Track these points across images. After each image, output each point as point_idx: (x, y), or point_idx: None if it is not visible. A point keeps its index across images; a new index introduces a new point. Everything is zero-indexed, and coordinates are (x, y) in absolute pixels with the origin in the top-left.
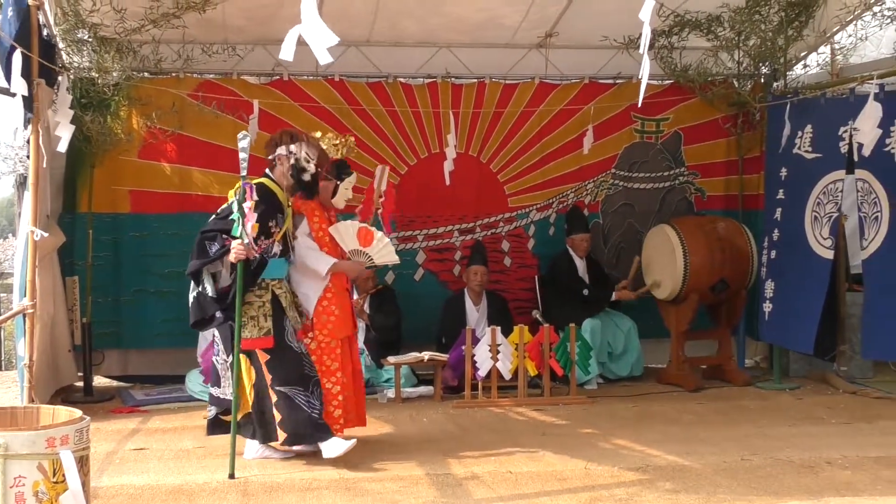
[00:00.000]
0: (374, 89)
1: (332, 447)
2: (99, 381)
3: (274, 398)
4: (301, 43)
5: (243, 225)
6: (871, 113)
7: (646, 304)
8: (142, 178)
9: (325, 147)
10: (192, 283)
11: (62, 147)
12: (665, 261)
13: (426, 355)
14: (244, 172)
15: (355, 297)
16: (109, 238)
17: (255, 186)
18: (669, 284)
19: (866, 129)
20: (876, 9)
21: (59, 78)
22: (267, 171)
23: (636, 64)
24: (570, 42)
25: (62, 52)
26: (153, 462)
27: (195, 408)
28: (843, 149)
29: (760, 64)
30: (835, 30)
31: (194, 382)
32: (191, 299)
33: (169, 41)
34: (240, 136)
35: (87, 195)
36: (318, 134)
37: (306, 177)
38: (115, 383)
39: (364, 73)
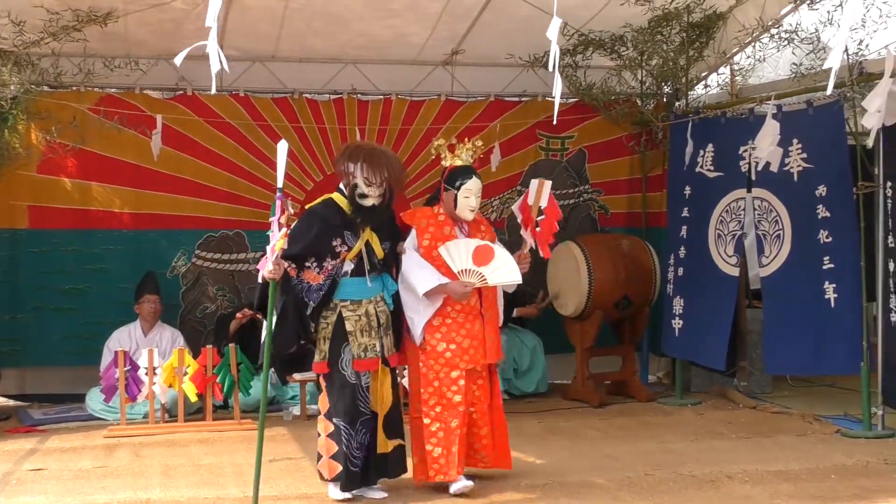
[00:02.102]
0: (279, 105)
1: (336, 492)
2: None
3: (331, 428)
4: (207, 57)
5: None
6: (770, 132)
7: (551, 320)
8: (41, 194)
9: (455, 155)
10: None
11: None
12: (570, 277)
13: None
14: (280, 184)
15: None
16: (7, 254)
17: (287, 201)
18: (574, 301)
19: (764, 146)
20: (773, 31)
21: None
22: (341, 184)
23: (541, 82)
24: (475, 60)
25: None
26: (51, 483)
27: (95, 427)
28: (744, 168)
29: (663, 83)
30: (734, 51)
31: (95, 401)
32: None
33: (70, 54)
34: (280, 144)
35: None
36: (439, 143)
37: (367, 202)
38: (11, 402)
39: (269, 88)
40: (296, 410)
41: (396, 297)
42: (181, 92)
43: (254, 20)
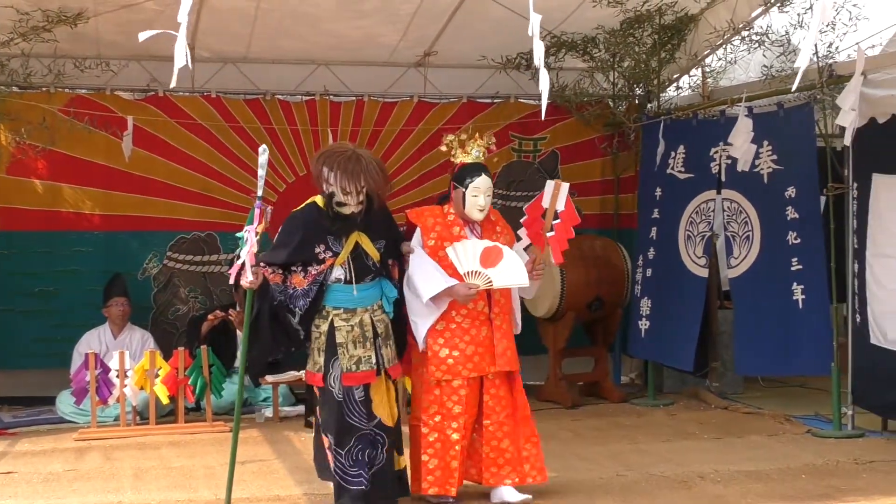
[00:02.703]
0: (251, 106)
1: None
2: None
3: (326, 442)
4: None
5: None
6: (743, 129)
7: (524, 321)
8: (10, 195)
9: (465, 152)
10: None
11: None
12: (542, 279)
13: (304, 374)
14: (260, 192)
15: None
16: None
17: (266, 209)
18: (547, 302)
19: (738, 143)
20: (744, 33)
21: None
22: (324, 187)
23: (514, 83)
24: (448, 61)
25: None
26: (21, 486)
27: (65, 430)
28: (714, 169)
29: (635, 85)
30: (705, 53)
31: (65, 404)
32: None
33: (39, 55)
34: (260, 149)
35: None
36: (450, 138)
37: (345, 210)
38: None
39: (241, 89)
40: (268, 412)
41: (399, 304)
42: (152, 93)
43: (225, 21)
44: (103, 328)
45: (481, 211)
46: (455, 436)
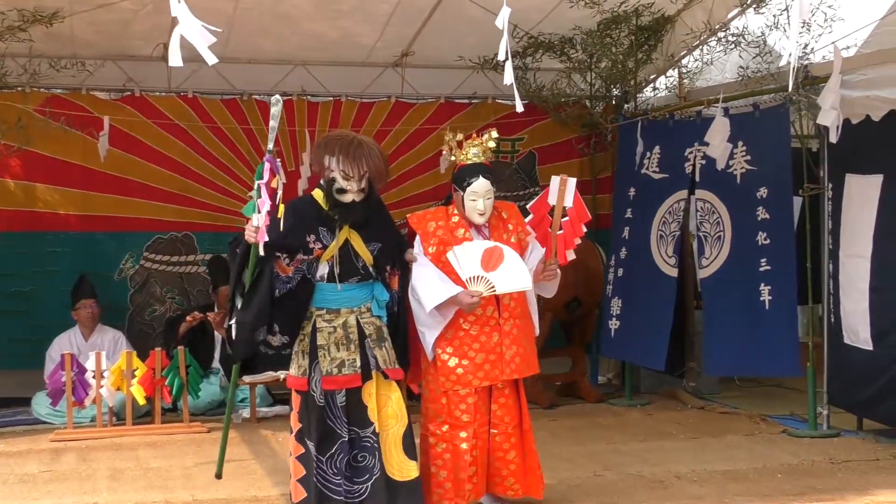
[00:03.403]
0: (228, 106)
1: None
2: None
3: (300, 450)
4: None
5: (259, 206)
6: (720, 128)
7: None
8: None
9: (462, 152)
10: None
11: None
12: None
13: (282, 374)
14: (271, 145)
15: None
16: None
17: (277, 162)
18: None
19: (716, 142)
20: (721, 34)
21: None
22: (321, 181)
23: (491, 84)
24: (425, 62)
25: None
26: None
27: (41, 431)
28: (689, 169)
29: (612, 86)
30: (682, 54)
31: (41, 405)
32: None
33: (15, 55)
34: (273, 100)
35: None
36: (448, 137)
37: (345, 198)
38: None
39: (218, 90)
40: (245, 413)
41: (400, 307)
42: (128, 93)
43: (203, 19)
44: (74, 331)
45: (481, 215)
46: (464, 445)
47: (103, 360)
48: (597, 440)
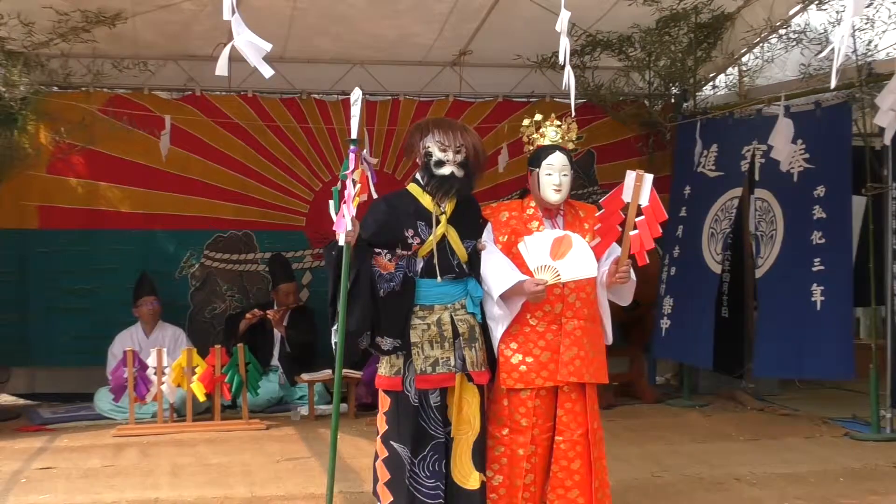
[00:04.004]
0: (287, 105)
1: None
2: (5, 399)
3: (385, 453)
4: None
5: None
6: (783, 129)
7: None
8: (50, 194)
9: (540, 135)
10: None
11: None
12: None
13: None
14: (354, 135)
15: (274, 309)
16: (16, 254)
17: (362, 153)
18: None
19: (780, 145)
20: (781, 31)
21: None
22: (416, 174)
23: (549, 83)
24: (483, 60)
25: None
26: (60, 481)
27: (104, 426)
28: (744, 167)
29: (671, 84)
30: (742, 51)
31: (103, 401)
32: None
33: (78, 55)
34: (354, 92)
35: None
36: (526, 122)
37: (444, 170)
38: (21, 401)
39: (278, 89)
40: (304, 410)
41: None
42: (189, 93)
43: (262, 21)
44: (135, 328)
45: (557, 190)
46: (521, 451)
47: (164, 356)
48: (654, 441)
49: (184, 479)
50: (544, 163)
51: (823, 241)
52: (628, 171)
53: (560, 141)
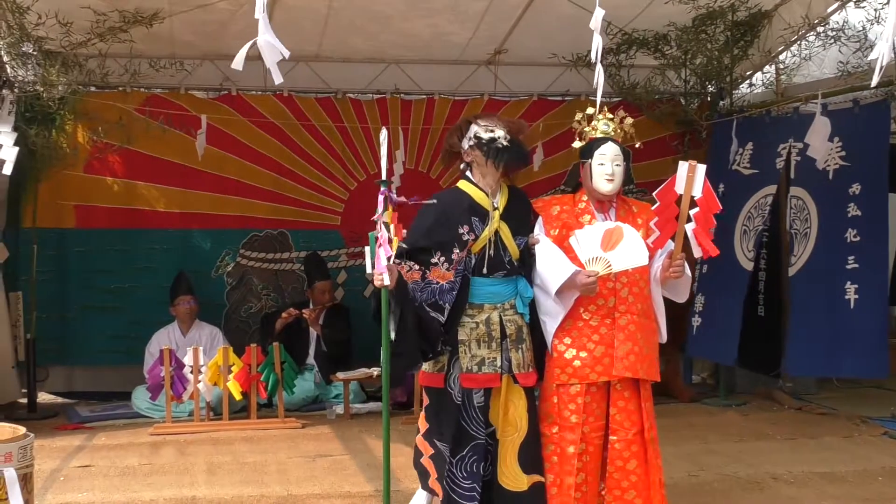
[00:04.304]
0: (322, 105)
1: None
2: (43, 397)
3: (430, 451)
4: (251, 58)
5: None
6: (820, 128)
7: None
8: (87, 193)
9: (592, 127)
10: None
11: (7, 170)
12: None
13: (375, 371)
14: (384, 175)
15: (310, 307)
16: (54, 253)
17: (391, 194)
18: None
19: (816, 143)
20: (819, 29)
21: (4, 92)
22: (466, 173)
23: (584, 81)
24: (518, 59)
25: (6, 66)
26: (98, 479)
27: (141, 424)
28: (780, 165)
29: (707, 82)
30: (779, 49)
31: (141, 399)
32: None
33: (116, 55)
34: (381, 134)
35: (31, 210)
36: (580, 115)
37: (498, 143)
38: (59, 400)
39: (313, 88)
40: (339, 409)
41: (534, 307)
42: (225, 92)
43: (297, 20)
44: (172, 327)
45: (610, 180)
46: (571, 449)
47: (201, 355)
48: (691, 440)
49: (220, 478)
50: (597, 153)
51: (858, 238)
52: (681, 162)
53: (612, 133)
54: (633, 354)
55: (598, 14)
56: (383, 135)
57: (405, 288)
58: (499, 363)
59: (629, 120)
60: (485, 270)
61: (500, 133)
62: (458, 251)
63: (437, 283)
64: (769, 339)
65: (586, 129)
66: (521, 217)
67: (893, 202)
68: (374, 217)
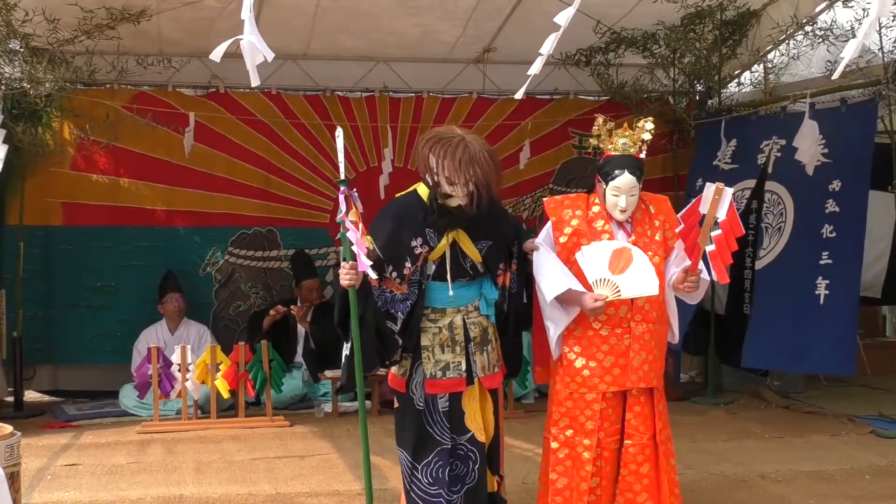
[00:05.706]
0: (311, 103)
1: None
2: (30, 395)
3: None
4: (239, 56)
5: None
6: (809, 132)
7: None
8: (74, 190)
9: (612, 141)
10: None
11: None
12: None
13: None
14: (342, 176)
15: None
16: (41, 251)
17: (351, 193)
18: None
19: (805, 147)
20: (808, 28)
21: None
22: (426, 176)
23: (573, 80)
24: (507, 58)
25: None
26: (85, 478)
27: (128, 423)
28: (761, 160)
29: (695, 81)
30: (767, 48)
31: (128, 397)
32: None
33: (103, 52)
34: (337, 133)
35: (17, 207)
36: (599, 123)
37: (451, 203)
38: (46, 398)
39: (302, 86)
40: (327, 407)
41: (510, 305)
42: (213, 89)
43: (286, 18)
44: (160, 324)
45: (623, 212)
46: (586, 454)
47: (188, 353)
48: (679, 438)
49: (208, 476)
50: (612, 184)
51: (834, 235)
52: (707, 184)
53: (631, 151)
54: (648, 364)
55: (569, 13)
56: (339, 133)
57: (369, 288)
58: (463, 367)
59: (650, 125)
60: (447, 277)
61: (459, 192)
62: (409, 265)
63: (392, 292)
64: (731, 333)
65: (604, 144)
66: (481, 220)
67: (882, 199)
68: (338, 218)
